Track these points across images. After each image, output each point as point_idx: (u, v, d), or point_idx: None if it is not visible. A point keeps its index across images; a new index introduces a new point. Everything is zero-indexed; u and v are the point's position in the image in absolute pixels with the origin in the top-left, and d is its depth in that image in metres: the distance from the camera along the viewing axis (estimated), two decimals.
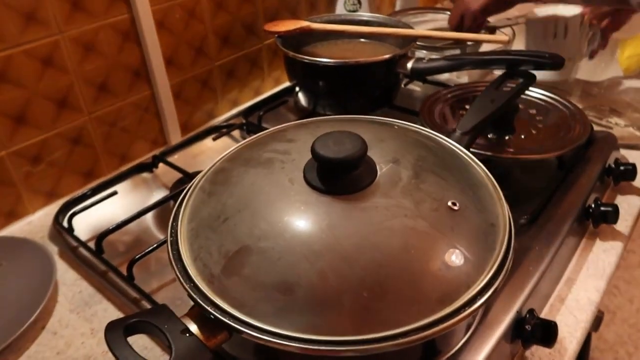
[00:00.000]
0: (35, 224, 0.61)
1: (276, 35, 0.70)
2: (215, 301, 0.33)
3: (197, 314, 0.34)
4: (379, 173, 0.38)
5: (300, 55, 0.65)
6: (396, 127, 0.47)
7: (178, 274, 0.35)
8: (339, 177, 0.37)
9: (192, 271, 0.35)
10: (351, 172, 0.37)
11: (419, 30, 0.69)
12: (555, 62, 0.55)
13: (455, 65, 0.61)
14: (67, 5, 0.57)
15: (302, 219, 0.35)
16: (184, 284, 0.34)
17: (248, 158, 0.43)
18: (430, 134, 0.47)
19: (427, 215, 0.36)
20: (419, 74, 0.65)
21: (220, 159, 0.44)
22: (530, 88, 0.69)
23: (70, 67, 0.60)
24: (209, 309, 0.33)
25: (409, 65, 0.64)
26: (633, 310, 1.50)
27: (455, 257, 0.34)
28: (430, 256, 0.34)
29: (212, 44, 0.75)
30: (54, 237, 0.57)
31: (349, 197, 0.36)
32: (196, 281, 0.34)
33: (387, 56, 0.65)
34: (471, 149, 0.52)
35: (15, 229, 0.60)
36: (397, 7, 1.09)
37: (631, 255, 1.69)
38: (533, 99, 0.69)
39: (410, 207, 0.36)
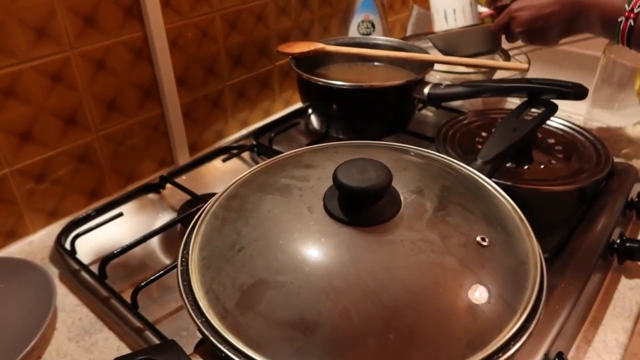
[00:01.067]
0: (36, 244, 0.58)
1: (290, 56, 0.68)
2: (228, 339, 0.31)
3: (208, 351, 0.31)
4: (402, 204, 0.36)
5: (315, 78, 0.64)
6: (415, 154, 0.46)
7: (189, 307, 0.33)
8: (362, 207, 0.35)
9: (203, 305, 0.33)
10: (375, 203, 0.35)
11: (437, 56, 0.68)
12: (578, 92, 0.54)
13: (474, 92, 0.60)
14: (80, 21, 0.56)
15: (322, 251, 0.33)
16: (195, 318, 0.32)
17: (263, 183, 0.41)
18: (453, 163, 0.45)
19: (455, 251, 0.33)
20: (436, 100, 0.63)
21: (234, 183, 0.43)
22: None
23: (80, 84, 0.58)
24: (221, 347, 0.30)
25: (426, 90, 0.63)
26: None
27: (487, 297, 0.32)
28: (459, 296, 0.32)
29: (224, 63, 0.74)
30: (55, 259, 0.55)
31: (372, 229, 0.34)
32: (208, 316, 0.32)
33: (403, 81, 0.63)
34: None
35: (15, 249, 0.58)
36: (408, 32, 1.09)
37: None
38: (552, 128, 0.67)
39: (437, 241, 0.34)
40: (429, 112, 0.82)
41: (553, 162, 0.61)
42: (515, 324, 0.31)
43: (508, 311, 0.32)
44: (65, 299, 0.51)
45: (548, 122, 0.68)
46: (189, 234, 0.39)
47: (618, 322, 0.47)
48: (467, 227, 0.36)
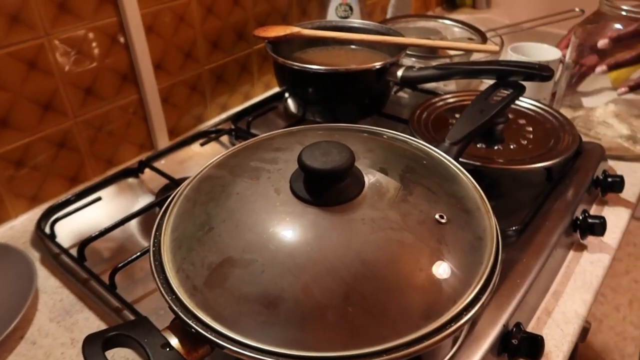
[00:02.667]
0: (17, 229, 0.59)
1: (266, 40, 0.69)
2: (197, 314, 0.32)
3: (179, 327, 0.33)
4: (366, 184, 0.38)
5: (290, 62, 0.65)
6: (385, 137, 0.47)
7: (160, 285, 0.34)
8: (325, 188, 0.36)
9: (174, 283, 0.34)
10: (338, 184, 0.37)
11: (410, 39, 0.69)
12: (544, 74, 0.55)
13: (445, 74, 0.61)
14: (54, 7, 0.56)
15: (287, 230, 0.35)
16: (166, 296, 0.34)
17: (234, 166, 0.42)
18: (419, 144, 0.46)
19: (413, 228, 0.35)
20: (409, 83, 0.64)
21: (207, 166, 0.44)
22: (521, 98, 0.70)
23: (56, 70, 0.59)
24: (190, 322, 0.32)
25: (399, 73, 0.64)
26: (619, 318, 1.51)
27: (442, 271, 0.34)
28: (416, 270, 0.33)
29: (202, 48, 0.75)
30: (35, 243, 0.56)
31: (335, 209, 0.36)
32: (178, 293, 0.34)
33: (377, 64, 0.64)
34: (460, 159, 0.52)
35: None
36: (389, 15, 1.09)
37: (617, 263, 1.70)
38: (523, 109, 0.69)
39: (397, 219, 0.35)
40: (404, 94, 0.84)
41: (523, 142, 0.62)
42: (469, 295, 0.33)
43: (462, 284, 0.34)
44: (47, 282, 0.52)
45: (520, 103, 0.70)
46: (161, 216, 0.40)
47: (578, 295, 0.49)
48: (427, 205, 0.37)
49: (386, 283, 0.33)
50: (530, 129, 0.65)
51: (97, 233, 0.52)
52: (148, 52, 0.67)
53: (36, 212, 0.60)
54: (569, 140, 0.61)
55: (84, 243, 0.51)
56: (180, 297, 0.33)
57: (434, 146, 0.47)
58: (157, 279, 0.35)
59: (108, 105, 0.66)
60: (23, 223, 0.60)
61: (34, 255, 0.55)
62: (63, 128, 0.62)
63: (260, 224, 0.36)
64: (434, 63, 0.79)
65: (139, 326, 0.33)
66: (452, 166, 0.44)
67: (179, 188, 0.42)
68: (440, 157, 0.45)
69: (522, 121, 0.67)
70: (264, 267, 0.33)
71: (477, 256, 0.36)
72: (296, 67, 0.65)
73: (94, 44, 0.62)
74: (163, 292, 0.34)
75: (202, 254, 0.35)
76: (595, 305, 1.54)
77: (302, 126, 0.48)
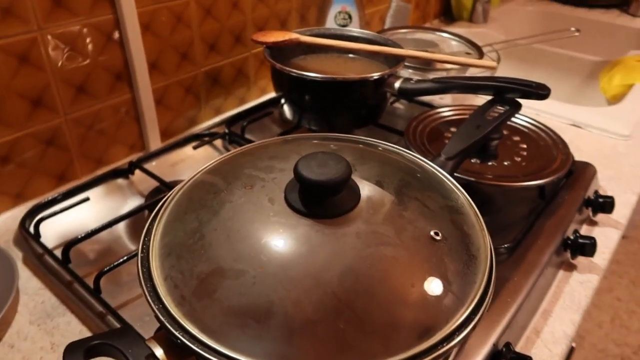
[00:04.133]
0: (0, 227, 0.58)
1: (264, 45, 0.68)
2: (184, 325, 0.31)
3: (164, 337, 0.32)
4: (362, 198, 0.37)
5: (288, 69, 0.64)
6: (380, 148, 0.47)
7: (147, 293, 0.33)
8: (321, 200, 0.36)
9: (161, 291, 0.34)
10: (334, 196, 0.36)
11: (409, 50, 0.69)
12: (540, 92, 0.55)
13: (443, 88, 0.61)
14: (48, 1, 0.55)
15: (280, 242, 0.34)
16: (153, 304, 0.33)
17: (228, 173, 0.41)
18: (415, 158, 0.46)
19: (408, 244, 0.35)
20: (406, 95, 0.64)
21: (200, 171, 0.43)
22: (517, 115, 0.70)
23: (48, 66, 0.58)
24: (176, 333, 0.31)
25: (397, 85, 0.64)
26: (602, 335, 1.52)
27: (435, 289, 0.33)
28: (409, 287, 0.33)
29: (198, 49, 0.74)
30: (19, 242, 0.55)
31: (329, 222, 0.35)
32: (165, 302, 0.33)
33: (375, 75, 0.64)
34: (454, 174, 0.52)
35: None
36: (387, 25, 1.09)
37: (601, 280, 1.72)
38: (518, 126, 0.69)
39: (392, 235, 0.35)
40: (401, 106, 0.83)
41: (517, 159, 0.62)
42: (462, 315, 0.33)
43: (455, 303, 0.33)
44: (29, 283, 0.51)
45: (516, 120, 0.70)
46: (151, 221, 0.39)
47: (566, 315, 0.49)
48: (422, 221, 0.37)
49: (378, 300, 0.32)
50: (525, 146, 0.65)
51: (83, 235, 0.51)
52: (143, 51, 0.66)
53: (21, 210, 0.59)
54: (562, 158, 0.61)
55: (69, 244, 0.50)
56: (168, 306, 0.33)
57: (430, 160, 0.47)
58: (144, 287, 0.34)
59: (100, 104, 0.65)
60: (6, 221, 0.59)
61: (17, 255, 0.54)
62: (52, 125, 0.61)
63: (252, 234, 0.35)
64: (430, 75, 0.79)
65: (123, 335, 0.32)
66: (447, 181, 0.44)
67: (170, 193, 0.41)
68: (435, 171, 0.45)
69: (516, 138, 0.67)
70: (255, 278, 0.32)
71: (471, 275, 0.35)
72: (294, 74, 0.64)
73: (88, 41, 0.60)
74: (150, 300, 0.33)
75: (192, 263, 0.34)
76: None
77: (298, 134, 0.47)
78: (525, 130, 0.68)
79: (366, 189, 0.38)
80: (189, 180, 0.42)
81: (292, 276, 0.32)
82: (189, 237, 0.36)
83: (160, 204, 0.40)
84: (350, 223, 0.35)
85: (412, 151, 0.46)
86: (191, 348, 0.30)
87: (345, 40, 0.73)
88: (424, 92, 0.62)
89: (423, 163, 0.46)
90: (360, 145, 0.46)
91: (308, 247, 0.34)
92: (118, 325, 0.44)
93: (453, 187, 0.43)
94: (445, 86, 0.61)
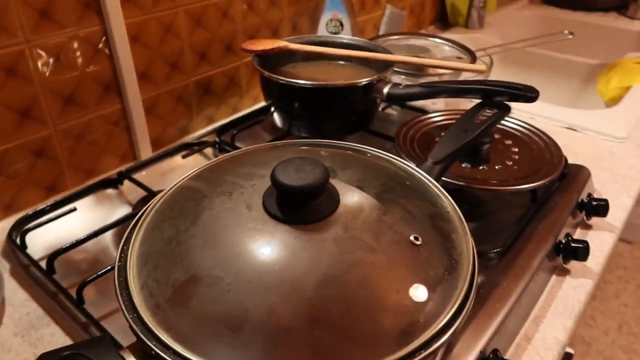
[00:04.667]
0: None
1: (253, 53, 0.68)
2: (159, 334, 0.31)
3: (138, 347, 0.32)
4: (341, 203, 0.37)
5: (276, 76, 0.64)
6: (368, 155, 0.46)
7: (122, 302, 0.33)
8: (298, 205, 0.35)
9: (137, 300, 0.33)
10: (311, 201, 0.36)
11: (397, 56, 0.69)
12: (529, 95, 0.55)
13: (431, 92, 0.60)
14: (35, 13, 0.55)
15: (255, 248, 0.34)
16: (127, 314, 0.32)
17: (209, 180, 0.41)
18: (401, 163, 0.45)
19: (387, 249, 0.34)
20: (395, 100, 0.64)
21: (182, 179, 0.43)
22: (509, 118, 0.69)
23: (36, 77, 0.58)
24: (150, 343, 0.30)
25: (386, 90, 0.64)
26: (608, 342, 1.49)
27: (414, 295, 0.32)
28: (387, 292, 0.32)
29: (189, 59, 0.74)
30: (6, 254, 0.55)
31: (307, 228, 0.35)
32: (140, 311, 0.32)
33: (364, 81, 0.64)
34: (444, 178, 0.52)
35: None
36: (381, 32, 1.09)
37: (608, 286, 1.69)
38: (510, 129, 0.68)
39: (370, 240, 0.34)
40: (393, 111, 0.83)
41: (508, 162, 0.62)
42: (442, 320, 0.32)
43: (435, 308, 0.32)
44: (15, 294, 0.51)
45: (507, 123, 0.69)
46: (130, 229, 0.39)
47: (559, 321, 0.48)
48: (402, 226, 0.36)
49: (356, 305, 0.31)
50: (517, 149, 0.64)
51: (67, 245, 0.50)
52: (132, 62, 0.66)
53: (9, 222, 0.59)
54: (554, 162, 0.61)
55: (54, 255, 0.49)
56: (142, 315, 0.32)
57: (416, 165, 0.46)
58: (119, 296, 0.34)
59: (89, 115, 0.65)
60: None
61: (4, 266, 0.54)
62: (42, 136, 0.61)
63: (228, 241, 0.34)
64: (422, 81, 0.79)
65: (97, 345, 0.31)
66: (432, 186, 0.43)
67: (151, 201, 0.41)
68: (421, 176, 0.44)
69: (508, 141, 0.66)
70: (230, 286, 0.32)
71: (452, 280, 0.34)
72: (282, 82, 0.64)
73: (76, 53, 0.61)
74: (124, 309, 0.33)
75: (168, 271, 0.34)
76: (584, 328, 1.53)
77: (285, 141, 0.47)
78: (518, 134, 0.68)
79: (346, 194, 0.38)
80: (170, 189, 0.42)
81: (267, 283, 0.32)
82: (167, 244, 0.36)
83: (141, 212, 0.40)
84: (328, 228, 0.35)
85: (402, 157, 0.46)
86: (165, 358, 0.30)
87: (336, 47, 0.73)
88: (412, 97, 0.62)
89: (408, 168, 0.45)
90: (348, 152, 0.45)
91: (284, 253, 0.33)
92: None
93: (438, 192, 0.42)
94: (434, 90, 0.61)
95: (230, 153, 0.45)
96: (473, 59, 0.86)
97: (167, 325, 0.31)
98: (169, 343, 0.30)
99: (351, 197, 0.37)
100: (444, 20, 1.35)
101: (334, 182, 0.38)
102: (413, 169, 0.45)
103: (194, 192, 0.40)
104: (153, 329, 0.31)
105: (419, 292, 0.33)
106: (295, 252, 0.33)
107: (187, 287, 0.32)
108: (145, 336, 0.31)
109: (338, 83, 0.66)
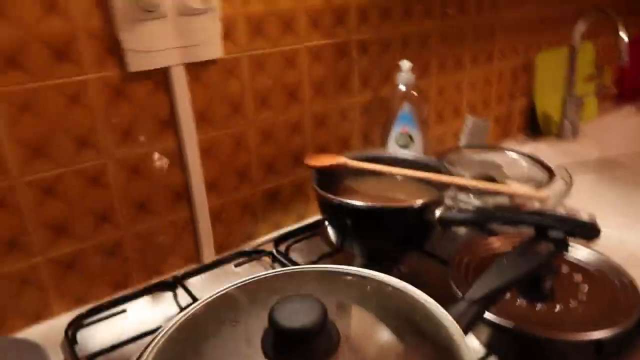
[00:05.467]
0: (56, 328, 0.63)
1: (312, 169, 0.71)
2: None
3: None
4: (341, 344, 0.35)
5: (328, 195, 0.66)
6: (390, 288, 0.44)
7: None
8: (292, 346, 0.35)
9: None
10: (307, 343, 0.35)
11: (453, 178, 0.67)
12: (590, 233, 0.50)
13: (482, 220, 0.58)
14: (119, 133, 0.64)
15: None
16: None
17: (220, 306, 0.42)
18: (426, 302, 0.43)
19: None
20: (446, 224, 0.62)
21: (199, 303, 0.44)
22: (581, 247, 0.63)
23: (114, 186, 0.66)
24: None
25: (437, 213, 0.62)
26: None
27: None
28: None
29: (256, 171, 0.79)
30: (63, 346, 0.59)
31: None
32: None
33: (416, 203, 0.63)
34: (491, 316, 0.47)
35: (37, 330, 0.63)
36: (463, 142, 1.08)
37: None
38: (581, 262, 0.62)
39: None
40: (460, 228, 0.79)
41: (573, 303, 0.55)
42: None
43: None
44: None
45: (582, 252, 0.63)
46: (139, 356, 0.40)
47: None
48: None
49: None
50: (586, 287, 0.57)
51: (97, 350, 0.53)
52: (202, 174, 0.72)
53: (76, 313, 0.64)
54: (629, 307, 0.53)
55: (91, 357, 0.53)
56: None
57: (451, 305, 0.43)
58: None
59: (159, 220, 0.71)
60: (63, 322, 0.64)
61: (60, 358, 0.58)
62: (114, 237, 0.68)
63: None
64: (491, 199, 0.75)
65: None
66: (455, 333, 0.39)
67: (164, 326, 0.42)
68: (448, 321, 0.41)
69: (577, 276, 0.59)
70: None
71: None
72: (335, 202, 0.65)
73: (150, 165, 0.68)
74: None
75: None
76: None
77: (299, 267, 0.47)
78: (591, 268, 0.61)
79: (349, 335, 0.36)
80: (186, 313, 0.43)
81: None
82: None
83: (153, 337, 0.41)
84: None
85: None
86: None
87: (398, 163, 0.74)
88: (462, 222, 0.60)
89: (434, 308, 0.42)
90: (360, 282, 0.44)
91: None
92: None
93: (462, 344, 0.39)
94: (485, 218, 0.58)
95: (250, 277, 0.46)
96: (551, 176, 0.81)
97: None
98: None
99: (354, 339, 0.36)
100: (535, 127, 1.30)
101: (338, 319, 0.37)
102: (437, 310, 0.42)
103: (203, 322, 0.41)
104: None
105: None
106: None
107: None
108: None
109: (390, 205, 0.65)
